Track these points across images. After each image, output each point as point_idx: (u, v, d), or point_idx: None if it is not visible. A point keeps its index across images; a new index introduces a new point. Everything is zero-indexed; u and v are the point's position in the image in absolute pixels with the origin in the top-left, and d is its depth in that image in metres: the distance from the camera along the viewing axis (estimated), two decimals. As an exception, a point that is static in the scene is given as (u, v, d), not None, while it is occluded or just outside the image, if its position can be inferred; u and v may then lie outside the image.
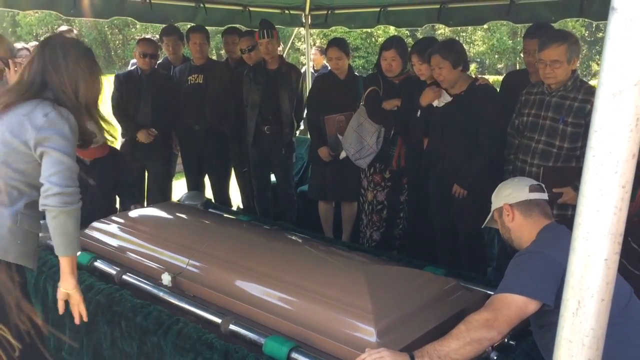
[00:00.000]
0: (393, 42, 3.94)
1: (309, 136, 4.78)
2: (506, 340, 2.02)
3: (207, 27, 5.06)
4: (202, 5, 5.22)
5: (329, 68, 4.50)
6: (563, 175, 3.09)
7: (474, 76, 3.62)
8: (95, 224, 3.09)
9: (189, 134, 4.78)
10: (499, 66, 23.83)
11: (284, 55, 6.49)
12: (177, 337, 2.19)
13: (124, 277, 2.66)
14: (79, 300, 2.17)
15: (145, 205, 4.31)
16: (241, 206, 5.35)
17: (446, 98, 3.47)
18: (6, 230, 2.09)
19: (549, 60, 2.94)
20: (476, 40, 23.01)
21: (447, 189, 3.54)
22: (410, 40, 20.31)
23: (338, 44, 4.27)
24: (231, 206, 5.18)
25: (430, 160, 3.66)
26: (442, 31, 18.25)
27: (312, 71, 7.07)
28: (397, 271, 2.28)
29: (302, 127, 5.45)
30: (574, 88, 3.05)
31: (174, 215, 3.17)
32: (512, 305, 1.75)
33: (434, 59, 3.37)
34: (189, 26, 5.09)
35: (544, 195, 2.12)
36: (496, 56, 22.53)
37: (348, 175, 4.29)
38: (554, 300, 1.74)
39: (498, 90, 4.10)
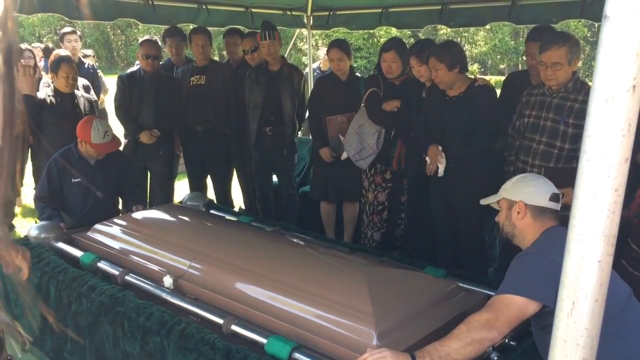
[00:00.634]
0: (393, 44, 3.96)
1: (310, 137, 4.80)
2: (507, 340, 2.03)
3: (209, 28, 5.09)
4: (204, 6, 5.24)
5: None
6: (564, 176, 3.09)
7: (473, 77, 3.62)
8: (98, 226, 3.10)
9: (191, 134, 4.80)
10: (502, 66, 23.81)
11: (286, 56, 6.52)
12: (180, 338, 2.20)
13: (127, 277, 2.68)
14: None
15: (148, 206, 4.34)
16: (243, 207, 5.37)
17: (442, 168, 3.50)
18: None
19: (550, 62, 2.95)
20: (478, 41, 22.99)
21: (448, 189, 3.56)
22: (412, 41, 20.32)
23: (339, 45, 4.29)
24: (233, 206, 5.20)
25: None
26: (444, 31, 18.26)
27: (319, 72, 7.09)
28: (398, 273, 2.30)
29: (303, 127, 5.45)
30: (575, 89, 3.06)
31: (176, 217, 3.19)
32: (513, 306, 1.76)
33: (430, 61, 3.40)
34: (191, 27, 5.11)
35: (558, 206, 2.09)
36: (498, 56, 22.51)
37: (349, 176, 4.31)
38: (554, 301, 1.74)
39: (500, 90, 4.13)
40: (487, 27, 18.92)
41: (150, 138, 4.53)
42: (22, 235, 3.40)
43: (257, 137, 4.56)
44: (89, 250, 2.93)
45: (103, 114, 6.15)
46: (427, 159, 3.59)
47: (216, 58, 5.98)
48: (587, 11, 4.40)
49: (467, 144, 3.45)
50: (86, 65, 6.04)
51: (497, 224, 2.30)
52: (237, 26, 5.46)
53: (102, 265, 2.83)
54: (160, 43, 5.06)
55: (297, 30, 6.86)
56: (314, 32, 6.75)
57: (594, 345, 0.89)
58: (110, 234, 2.99)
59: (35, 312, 2.11)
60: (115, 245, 2.92)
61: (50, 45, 7.59)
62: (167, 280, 2.49)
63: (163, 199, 4.71)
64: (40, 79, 5.59)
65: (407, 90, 3.94)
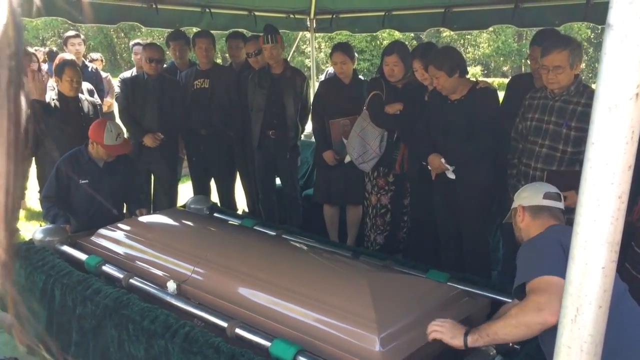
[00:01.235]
0: (395, 48, 3.97)
1: (313, 139, 4.81)
2: (510, 344, 2.04)
3: (212, 31, 5.11)
4: (207, 9, 5.26)
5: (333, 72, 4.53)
6: (567, 179, 3.10)
7: (474, 80, 3.63)
8: (102, 231, 3.11)
9: (194, 138, 4.82)
10: (505, 68, 23.80)
11: (289, 59, 6.53)
12: (184, 341, 2.21)
13: (131, 280, 2.69)
14: None
15: (151, 208, 4.35)
16: (246, 209, 5.38)
17: (450, 174, 3.50)
18: None
19: (552, 65, 2.96)
20: (481, 43, 22.99)
21: (450, 192, 3.56)
22: (414, 43, 20.33)
23: (343, 49, 4.30)
24: (237, 209, 5.21)
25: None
26: (447, 33, 18.27)
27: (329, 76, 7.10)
28: (400, 279, 2.30)
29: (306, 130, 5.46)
30: (577, 92, 3.06)
31: (180, 222, 3.19)
32: (553, 285, 1.73)
33: (430, 69, 3.42)
34: (194, 30, 5.13)
35: (559, 204, 2.19)
36: (501, 58, 22.51)
37: (353, 179, 4.31)
38: None
39: (503, 93, 4.13)
40: (490, 29, 18.92)
41: (154, 141, 4.55)
42: (26, 239, 3.41)
43: (260, 140, 4.57)
44: (93, 254, 2.94)
45: (111, 118, 6.17)
46: (429, 167, 3.59)
47: (219, 61, 5.99)
48: (590, 14, 4.40)
49: (470, 147, 3.45)
50: (90, 69, 6.06)
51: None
52: (239, 29, 5.49)
53: (107, 268, 2.84)
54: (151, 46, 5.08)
55: (300, 32, 6.88)
56: (317, 34, 6.76)
57: (598, 351, 0.89)
58: (114, 238, 3.00)
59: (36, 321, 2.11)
60: (119, 250, 2.93)
61: (55, 48, 7.61)
62: (171, 286, 2.50)
63: (167, 202, 4.73)
64: (44, 82, 5.61)
65: (409, 93, 3.95)
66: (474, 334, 1.81)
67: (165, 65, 4.95)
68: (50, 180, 3.70)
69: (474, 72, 21.42)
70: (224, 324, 2.24)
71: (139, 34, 21.13)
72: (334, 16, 5.96)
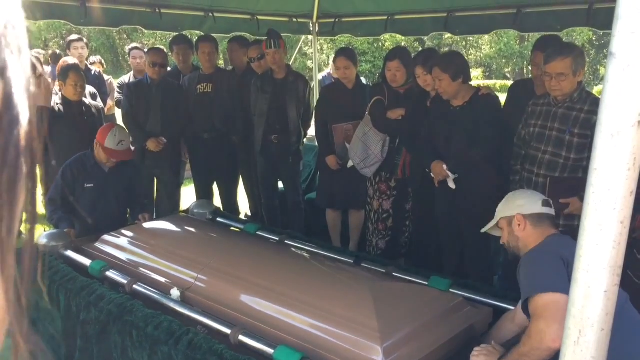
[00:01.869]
0: (397, 53, 3.99)
1: (316, 143, 4.82)
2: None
3: (215, 35, 5.13)
4: (210, 14, 5.28)
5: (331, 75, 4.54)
6: (569, 186, 3.11)
7: (476, 86, 3.64)
8: (106, 237, 3.13)
9: (197, 142, 4.83)
10: (506, 70, 23.79)
11: (292, 61, 6.56)
12: (188, 348, 2.22)
13: (135, 286, 2.70)
14: None
15: (154, 212, 4.37)
16: (249, 213, 5.39)
17: (451, 183, 3.51)
18: None
19: (555, 73, 2.97)
20: (483, 45, 22.99)
21: (453, 198, 3.57)
22: (417, 45, 20.32)
23: (346, 54, 4.32)
24: (240, 213, 5.22)
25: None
26: (449, 35, 18.22)
27: (331, 79, 7.10)
28: (403, 288, 2.31)
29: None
30: (580, 99, 3.07)
31: (183, 228, 3.21)
32: (552, 305, 1.76)
33: (434, 71, 3.42)
34: (197, 34, 5.14)
35: (552, 211, 2.22)
36: (503, 61, 22.49)
37: (355, 183, 4.32)
38: None
39: (505, 99, 4.14)
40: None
41: (157, 146, 4.56)
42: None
43: (263, 144, 4.59)
44: (97, 260, 2.95)
45: (112, 121, 6.18)
46: (431, 174, 3.60)
47: (221, 62, 6.00)
48: (592, 19, 4.41)
49: (472, 153, 3.46)
50: (93, 72, 6.08)
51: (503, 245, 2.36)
52: (241, 33, 5.50)
53: (111, 273, 2.86)
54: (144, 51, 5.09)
55: (303, 36, 6.90)
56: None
57: (600, 372, 0.90)
58: (118, 245, 3.02)
59: None
60: (123, 256, 2.94)
61: (58, 51, 7.63)
62: (175, 293, 2.51)
63: (170, 206, 4.75)
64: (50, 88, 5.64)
65: (411, 98, 3.96)
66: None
67: (168, 69, 4.97)
68: (56, 184, 3.72)
69: (476, 74, 21.41)
70: (228, 331, 2.25)
71: (141, 35, 21.18)
72: (337, 20, 5.98)
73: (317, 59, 7.07)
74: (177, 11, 5.15)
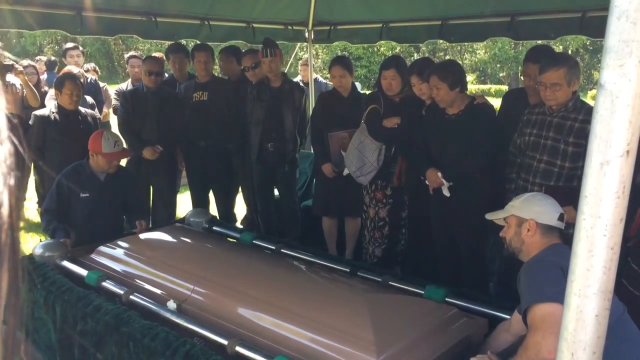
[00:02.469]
0: (392, 62, 4.01)
1: (312, 151, 4.84)
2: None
3: (211, 44, 5.14)
4: (206, 22, 5.29)
5: (320, 80, 4.56)
6: (564, 194, 3.12)
7: (471, 95, 3.67)
8: (102, 248, 3.13)
9: (194, 150, 4.84)
10: (501, 75, 23.90)
11: (288, 66, 6.59)
12: (185, 359, 2.23)
13: (132, 297, 2.71)
14: None
15: (150, 220, 4.37)
16: (244, 219, 5.40)
17: (445, 190, 3.53)
18: None
19: (549, 83, 3.00)
20: (478, 49, 23.10)
21: (448, 207, 3.59)
22: (412, 50, 20.37)
23: (341, 63, 4.35)
24: (236, 221, 5.23)
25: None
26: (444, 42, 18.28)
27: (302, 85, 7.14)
28: (399, 300, 2.32)
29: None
30: (575, 109, 3.10)
31: (179, 239, 3.22)
32: (549, 316, 1.77)
33: (432, 79, 3.43)
34: (192, 42, 5.16)
35: (563, 226, 2.23)
36: (498, 65, 22.60)
37: (351, 191, 4.34)
38: None
39: (498, 107, 4.17)
40: (487, 36, 18.97)
41: (153, 154, 4.57)
42: (26, 252, 3.43)
43: (259, 152, 4.60)
44: (93, 271, 2.95)
45: (107, 128, 6.19)
46: (426, 182, 3.63)
47: (217, 67, 5.99)
48: (585, 27, 4.44)
49: (467, 161, 3.48)
50: (89, 80, 6.09)
51: (501, 238, 2.37)
52: (237, 41, 5.52)
53: (107, 284, 2.86)
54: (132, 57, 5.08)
55: (298, 43, 6.92)
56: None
57: (593, 396, 0.92)
58: (114, 256, 3.02)
59: None
60: (119, 268, 2.95)
61: (53, 58, 7.63)
62: (171, 305, 2.52)
63: (166, 214, 4.75)
64: (45, 93, 5.64)
65: (407, 107, 3.98)
66: None
67: (164, 78, 4.98)
68: (51, 194, 3.72)
69: (470, 79, 21.51)
70: (225, 342, 2.25)
71: (136, 41, 21.19)
72: (332, 27, 6.00)
73: (312, 65, 7.08)
74: (173, 19, 5.16)
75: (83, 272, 3.00)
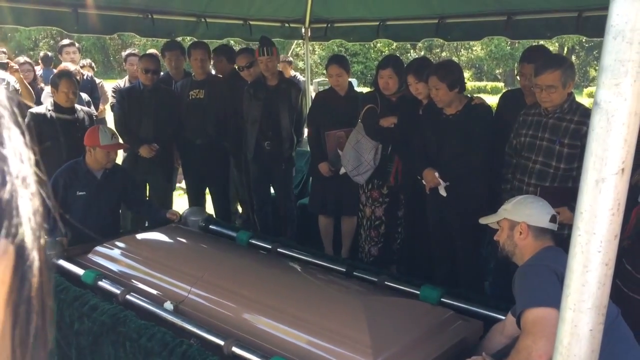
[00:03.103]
0: (389, 61, 4.02)
1: (308, 149, 4.85)
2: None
3: (207, 41, 5.13)
4: (203, 19, 5.28)
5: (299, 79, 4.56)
6: (559, 195, 3.15)
7: (469, 95, 3.67)
8: (99, 248, 3.13)
9: (190, 148, 4.84)
10: (497, 72, 23.93)
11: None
12: (181, 359, 2.24)
13: (128, 297, 2.71)
14: None
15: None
16: (241, 218, 5.41)
17: (442, 190, 3.54)
18: None
19: (544, 85, 3.01)
20: (474, 46, 23.11)
21: (444, 206, 3.60)
22: (408, 46, 20.35)
23: (338, 61, 4.35)
24: (232, 220, 5.24)
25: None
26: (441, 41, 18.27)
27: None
28: (395, 302, 2.33)
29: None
30: (570, 110, 3.11)
31: (176, 240, 3.22)
32: (542, 320, 1.78)
33: (432, 79, 3.43)
34: (189, 40, 5.14)
35: (556, 227, 2.23)
36: (494, 62, 22.63)
37: (348, 190, 4.35)
38: None
39: (495, 108, 4.18)
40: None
41: (149, 152, 4.56)
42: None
43: (256, 151, 4.60)
44: (90, 270, 2.96)
45: (103, 124, 6.16)
46: (423, 181, 3.64)
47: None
48: (581, 27, 4.45)
49: (464, 162, 3.50)
50: (85, 77, 6.06)
51: (495, 242, 2.38)
52: (234, 38, 5.51)
53: (104, 283, 2.86)
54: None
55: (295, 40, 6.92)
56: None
57: (588, 408, 0.93)
58: (110, 256, 3.02)
59: None
60: (116, 268, 2.95)
61: (49, 53, 7.59)
62: (168, 306, 2.53)
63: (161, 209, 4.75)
64: (41, 89, 5.61)
65: (403, 106, 3.99)
66: None
67: (160, 75, 4.96)
68: (47, 191, 3.71)
69: (467, 75, 21.51)
70: (221, 342, 2.26)
71: (132, 36, 21.12)
72: (329, 25, 6.00)
73: (309, 62, 7.08)
74: (170, 17, 5.15)
75: (80, 271, 3.00)
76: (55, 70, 5.65)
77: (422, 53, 22.10)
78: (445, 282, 3.56)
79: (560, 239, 3.11)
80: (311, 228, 4.78)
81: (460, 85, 3.46)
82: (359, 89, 6.08)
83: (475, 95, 3.78)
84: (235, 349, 2.20)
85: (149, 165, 4.63)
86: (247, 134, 4.64)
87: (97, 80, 6.47)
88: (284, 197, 4.83)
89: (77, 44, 6.18)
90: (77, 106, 4.58)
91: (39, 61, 6.86)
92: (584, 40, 21.49)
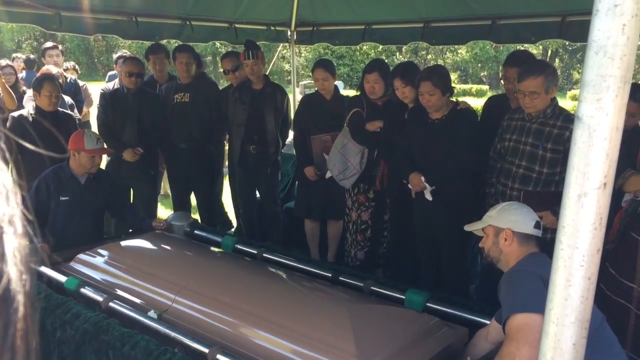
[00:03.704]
0: (375, 65, 4.02)
1: (294, 152, 4.83)
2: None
3: (192, 43, 5.10)
4: (188, 22, 5.24)
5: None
6: (542, 199, 3.17)
7: (455, 100, 3.69)
8: (81, 256, 3.08)
9: (175, 152, 4.80)
10: (482, 74, 24.11)
11: (270, 65, 6.57)
12: (165, 368, 2.21)
13: (111, 304, 2.67)
14: None
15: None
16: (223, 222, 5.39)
17: (428, 194, 3.55)
18: None
19: (527, 91, 3.03)
20: (460, 49, 23.26)
21: (429, 210, 3.61)
22: (394, 49, 20.42)
23: (324, 65, 4.35)
24: (216, 225, 5.21)
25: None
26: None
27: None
28: (381, 310, 2.33)
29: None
30: (553, 115, 3.13)
31: (160, 247, 3.18)
32: (526, 327, 1.79)
33: (425, 85, 3.42)
34: (173, 43, 5.10)
35: (540, 233, 2.24)
36: (479, 65, 22.80)
37: (334, 194, 4.34)
38: None
39: (478, 107, 4.20)
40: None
41: (133, 156, 4.52)
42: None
43: (241, 155, 4.58)
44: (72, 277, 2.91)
45: (86, 127, 6.10)
46: (409, 185, 3.64)
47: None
48: (564, 32, 4.50)
49: (449, 166, 3.50)
50: (68, 79, 6.00)
51: (480, 249, 2.39)
52: (220, 41, 5.48)
53: (86, 291, 2.82)
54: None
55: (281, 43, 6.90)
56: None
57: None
58: (93, 264, 2.98)
59: None
60: (99, 277, 2.91)
61: (32, 56, 7.51)
62: (152, 315, 2.50)
63: (147, 216, 4.70)
64: (24, 93, 5.54)
65: (389, 110, 3.99)
66: None
67: (145, 79, 4.92)
68: (30, 196, 3.66)
69: (452, 78, 21.63)
70: (205, 350, 2.24)
71: (117, 38, 20.96)
72: (315, 28, 5.99)
73: (295, 65, 7.07)
74: (154, 19, 5.10)
75: (62, 278, 2.96)
76: (37, 73, 5.59)
77: (408, 56, 22.21)
78: (431, 286, 3.57)
79: (542, 243, 3.15)
80: (297, 232, 4.77)
81: (450, 90, 3.48)
82: (345, 92, 6.09)
83: (460, 99, 3.79)
84: (219, 357, 2.18)
85: (133, 169, 4.59)
86: (232, 137, 4.62)
87: (81, 83, 6.40)
88: (270, 201, 4.81)
89: (60, 47, 6.11)
90: (60, 109, 4.53)
91: (22, 63, 6.78)
92: (567, 43, 21.74)
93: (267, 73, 5.04)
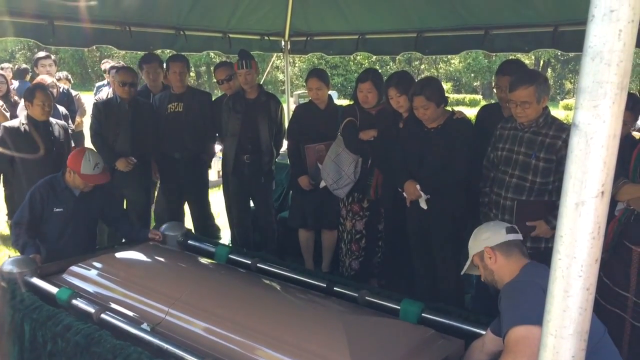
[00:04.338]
0: (369, 75, 4.03)
1: (288, 161, 4.82)
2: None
3: (186, 53, 5.09)
4: (182, 32, 5.24)
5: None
6: (536, 209, 3.17)
7: (451, 109, 3.69)
8: (74, 268, 3.05)
9: (168, 162, 4.78)
10: (475, 84, 24.23)
11: (265, 74, 6.57)
12: (158, 381, 2.18)
13: (103, 316, 2.64)
14: None
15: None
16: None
17: (423, 203, 3.55)
18: None
19: (519, 100, 3.03)
20: (453, 59, 23.39)
21: (424, 220, 3.60)
22: (387, 58, 20.50)
23: (318, 75, 4.35)
24: (210, 235, 5.18)
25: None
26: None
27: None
28: (376, 322, 2.31)
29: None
30: (546, 124, 3.14)
31: (153, 259, 3.15)
32: (524, 339, 1.77)
33: (419, 100, 3.42)
34: (167, 53, 5.09)
35: (519, 236, 2.25)
36: (472, 75, 22.92)
37: (328, 203, 4.33)
38: None
39: (474, 121, 4.21)
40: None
41: (126, 166, 4.50)
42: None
43: (235, 165, 4.56)
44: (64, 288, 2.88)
45: (80, 137, 6.08)
46: (404, 194, 3.63)
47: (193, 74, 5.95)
48: (557, 41, 4.52)
49: (444, 175, 3.50)
50: (62, 89, 5.97)
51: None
52: (214, 51, 5.47)
53: (78, 302, 2.78)
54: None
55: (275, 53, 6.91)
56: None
57: None
58: (86, 277, 2.94)
59: None
60: (91, 289, 2.87)
61: (24, 65, 7.49)
62: (145, 328, 2.47)
63: (140, 226, 4.67)
64: (16, 103, 5.51)
65: (383, 119, 3.99)
66: None
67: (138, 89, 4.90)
68: (23, 207, 3.63)
69: (446, 88, 21.74)
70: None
71: (109, 46, 20.94)
72: (308, 38, 6.02)
73: (289, 75, 7.07)
74: (148, 29, 5.10)
75: (53, 289, 2.92)
76: (30, 83, 5.57)
77: (402, 66, 22.29)
78: (426, 295, 3.55)
79: (537, 252, 3.14)
80: (291, 241, 4.75)
81: (445, 100, 3.49)
82: (339, 101, 6.10)
83: (456, 109, 3.79)
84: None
85: (127, 179, 4.56)
86: (226, 147, 4.60)
87: (74, 93, 6.38)
88: (264, 211, 4.79)
89: (53, 56, 6.09)
90: (52, 120, 4.51)
91: (10, 73, 6.75)
92: (559, 53, 21.91)
93: (261, 83, 5.04)
